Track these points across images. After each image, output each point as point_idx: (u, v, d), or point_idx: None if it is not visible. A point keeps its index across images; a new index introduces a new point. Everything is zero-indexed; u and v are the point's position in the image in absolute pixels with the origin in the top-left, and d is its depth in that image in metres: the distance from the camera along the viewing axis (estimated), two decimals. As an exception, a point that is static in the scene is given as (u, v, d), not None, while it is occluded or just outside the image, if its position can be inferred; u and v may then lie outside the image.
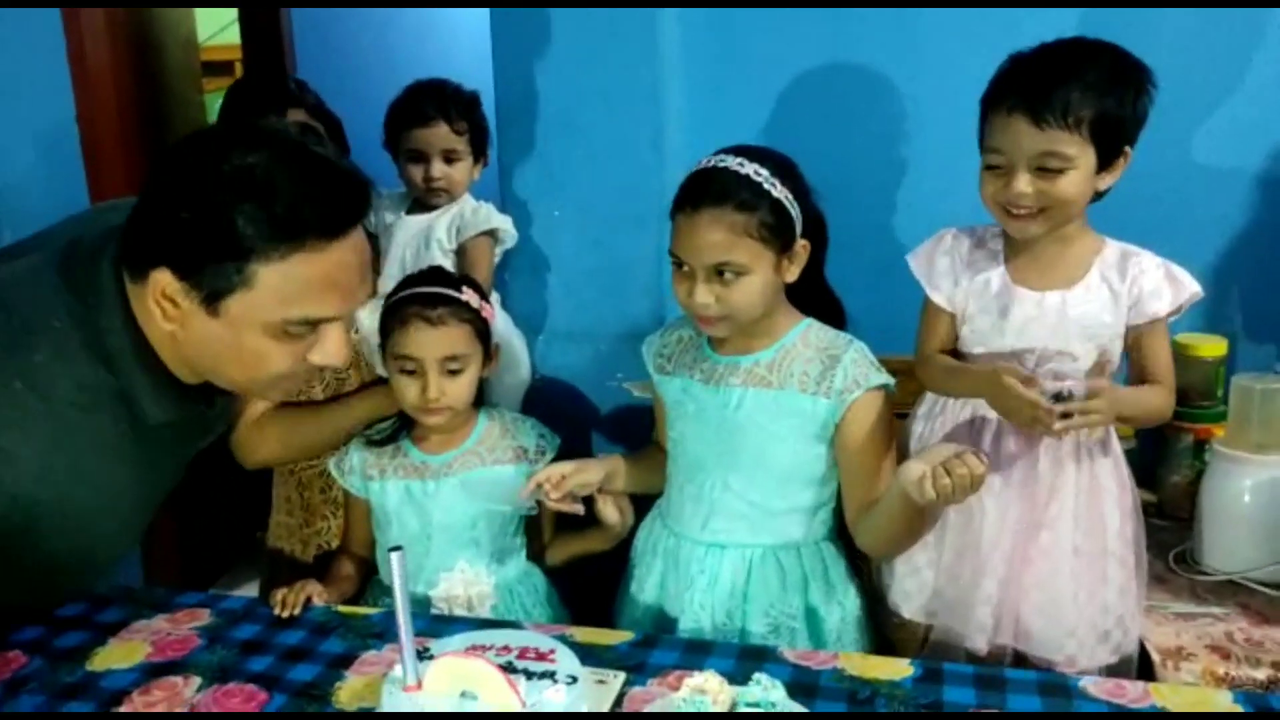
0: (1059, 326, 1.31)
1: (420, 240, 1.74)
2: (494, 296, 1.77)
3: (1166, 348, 1.35)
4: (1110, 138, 1.24)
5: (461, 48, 1.79)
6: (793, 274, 1.33)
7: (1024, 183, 1.24)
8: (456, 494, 1.45)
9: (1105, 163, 1.26)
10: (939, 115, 1.77)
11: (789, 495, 1.38)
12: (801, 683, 1.13)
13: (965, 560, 1.38)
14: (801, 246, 1.33)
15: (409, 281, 1.46)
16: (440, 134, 1.71)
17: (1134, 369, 1.36)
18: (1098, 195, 1.31)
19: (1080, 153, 1.23)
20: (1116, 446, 1.38)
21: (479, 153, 1.77)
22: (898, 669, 1.16)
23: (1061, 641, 1.34)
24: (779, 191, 1.27)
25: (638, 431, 1.63)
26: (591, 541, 1.54)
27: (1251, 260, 1.74)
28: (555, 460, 1.48)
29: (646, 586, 1.47)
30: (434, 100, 1.72)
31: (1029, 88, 1.23)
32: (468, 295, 1.44)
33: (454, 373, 1.41)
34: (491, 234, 1.74)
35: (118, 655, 1.19)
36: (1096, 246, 1.34)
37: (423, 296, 1.42)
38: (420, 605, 1.44)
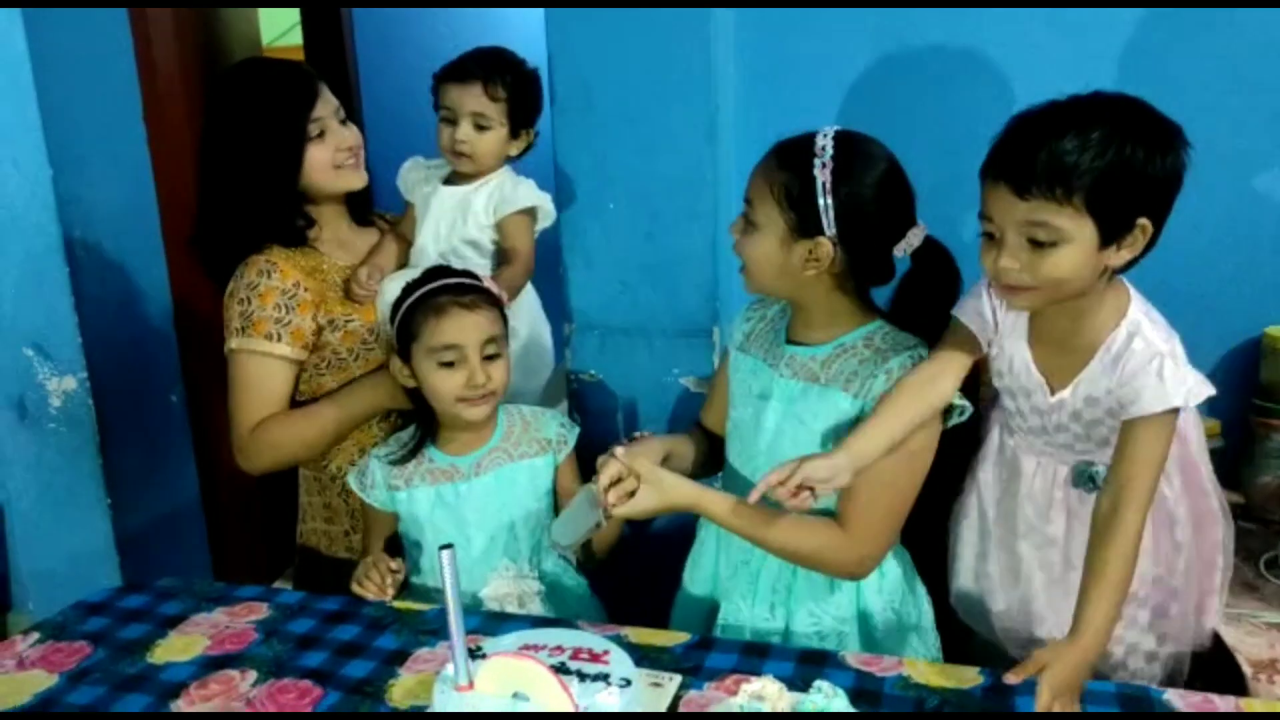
0: (1063, 419, 1.23)
1: (457, 214, 1.66)
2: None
3: (1157, 458, 1.12)
4: (1115, 208, 1.05)
5: (522, 48, 1.73)
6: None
7: (1008, 258, 1.09)
8: (491, 492, 1.43)
9: (1111, 238, 1.07)
10: (997, 108, 1.71)
11: (829, 495, 1.32)
12: (865, 689, 1.09)
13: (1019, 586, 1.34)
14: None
15: (419, 281, 1.43)
16: (473, 94, 1.60)
17: (1111, 471, 1.16)
18: (1126, 265, 1.12)
19: (1074, 226, 1.05)
20: (1188, 435, 1.25)
21: (518, 127, 1.66)
22: (965, 677, 1.11)
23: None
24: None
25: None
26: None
27: (1347, 247, 1.64)
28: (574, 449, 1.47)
29: (698, 575, 1.44)
30: (479, 59, 1.63)
31: (1013, 151, 1.07)
32: (487, 282, 1.45)
33: (492, 357, 1.39)
34: (531, 212, 1.67)
35: (178, 648, 1.20)
36: (1113, 322, 1.16)
37: (451, 286, 1.40)
38: (469, 606, 1.42)
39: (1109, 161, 1.04)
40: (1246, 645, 1.27)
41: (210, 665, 1.16)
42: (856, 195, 1.22)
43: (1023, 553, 1.32)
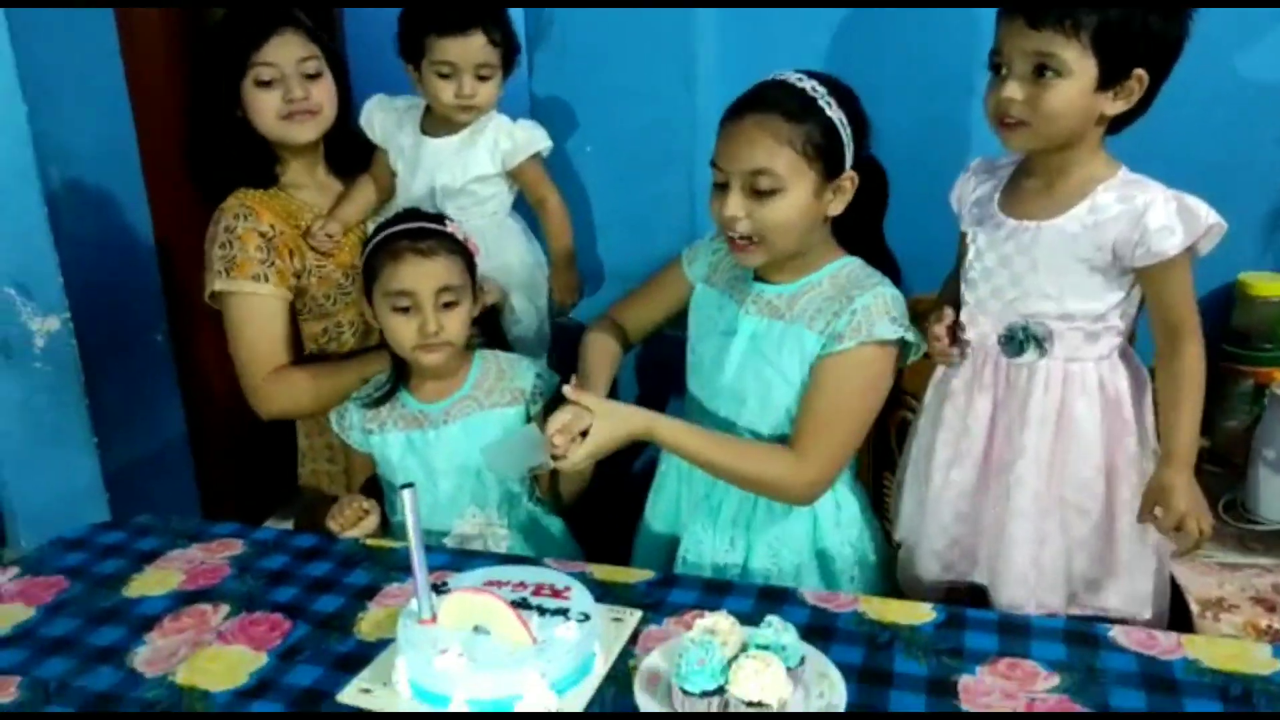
0: (1028, 259, 1.22)
1: (457, 166, 1.61)
2: (522, 224, 1.72)
3: (1187, 294, 1.19)
4: (1116, 51, 1.12)
5: None
6: (836, 207, 1.27)
7: (1013, 87, 1.15)
8: (458, 441, 1.45)
9: (1110, 81, 1.14)
10: (971, 56, 1.69)
11: (784, 422, 1.34)
12: (820, 625, 1.12)
13: (928, 487, 1.34)
14: (849, 179, 1.27)
15: (388, 224, 1.43)
16: (475, 46, 1.53)
17: (1153, 320, 1.22)
18: (1114, 127, 1.20)
19: (1077, 61, 1.12)
20: (1120, 386, 1.24)
21: (508, 67, 1.62)
22: (919, 613, 1.14)
23: (1011, 590, 1.28)
24: (833, 112, 1.22)
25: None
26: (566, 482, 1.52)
27: (1322, 194, 1.63)
28: (552, 399, 1.44)
29: (660, 508, 1.47)
30: (470, 5, 1.53)
31: None
32: (452, 228, 1.43)
33: (449, 305, 1.39)
34: (538, 153, 1.64)
35: (153, 582, 1.23)
36: (1103, 175, 1.21)
37: (411, 231, 1.40)
38: (438, 547, 1.44)
39: (1119, 5, 1.10)
40: (1197, 585, 1.31)
41: (184, 599, 1.19)
42: (859, 122, 1.26)
43: (942, 455, 1.33)
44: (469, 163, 1.61)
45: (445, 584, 1.09)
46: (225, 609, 1.17)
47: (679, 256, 1.48)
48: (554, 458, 1.26)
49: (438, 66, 1.55)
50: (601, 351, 1.46)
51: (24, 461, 1.82)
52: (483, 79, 1.56)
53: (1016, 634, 1.09)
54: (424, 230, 1.40)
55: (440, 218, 1.46)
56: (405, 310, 1.38)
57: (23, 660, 1.08)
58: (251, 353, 1.52)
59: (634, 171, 1.71)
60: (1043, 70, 1.13)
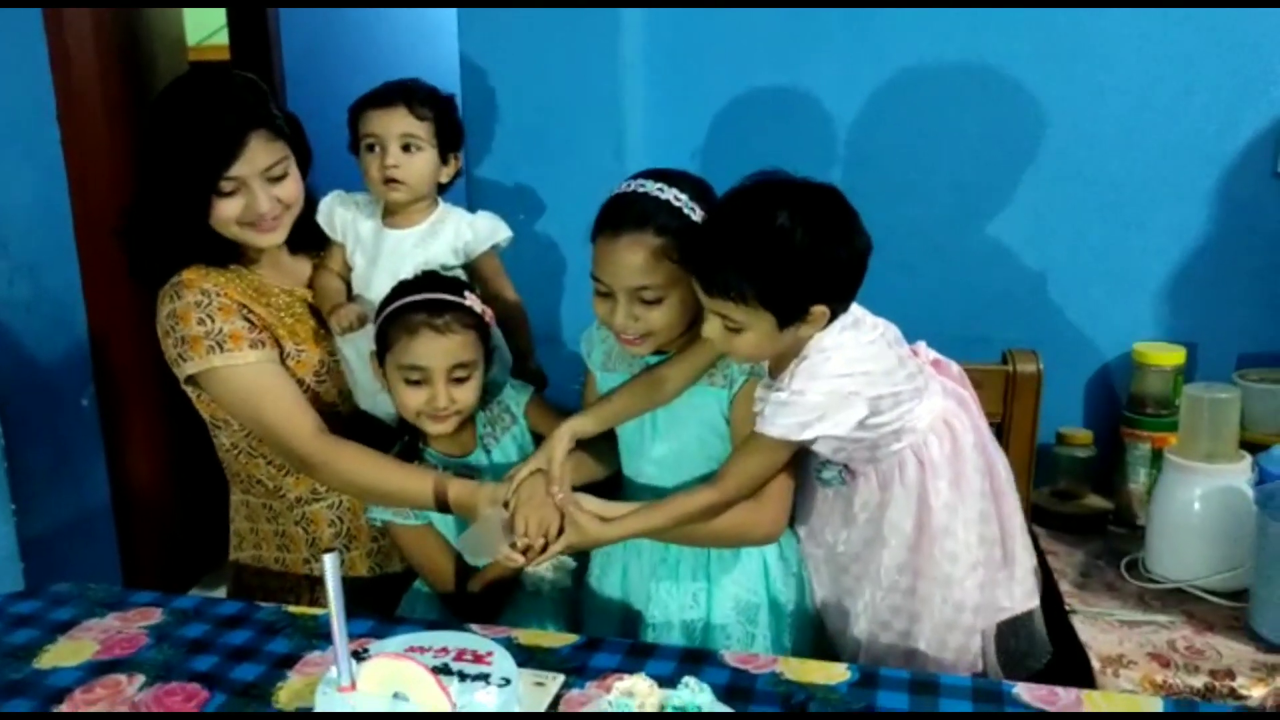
0: None
1: (419, 258, 1.57)
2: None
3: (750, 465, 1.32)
4: (786, 302, 1.19)
5: (450, 52, 1.73)
6: None
7: (708, 329, 1.24)
8: (506, 467, 1.44)
9: (789, 320, 1.21)
10: (889, 130, 1.80)
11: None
12: (738, 686, 1.14)
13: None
14: None
15: (406, 288, 1.43)
16: (398, 116, 1.52)
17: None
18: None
19: (753, 317, 1.20)
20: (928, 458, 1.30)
21: (445, 151, 1.59)
22: (835, 674, 1.17)
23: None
24: (697, 215, 1.28)
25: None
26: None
27: (1209, 269, 1.75)
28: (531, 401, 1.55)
29: (609, 579, 1.49)
30: (397, 86, 1.55)
31: (699, 258, 1.22)
32: (471, 300, 1.43)
33: (460, 380, 1.40)
34: (497, 245, 1.63)
35: (66, 653, 1.20)
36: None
37: (429, 304, 1.39)
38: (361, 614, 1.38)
39: (774, 265, 1.17)
40: (1099, 641, 1.36)
41: (98, 670, 1.17)
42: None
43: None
44: (430, 255, 1.58)
45: (366, 650, 1.09)
46: (141, 679, 1.15)
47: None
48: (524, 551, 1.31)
49: (365, 140, 1.56)
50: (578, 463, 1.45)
51: (-65, 527, 1.77)
52: (409, 150, 1.54)
53: (926, 692, 1.12)
54: (441, 304, 1.39)
55: (459, 287, 1.45)
56: (417, 383, 1.39)
57: (-77, 738, 1.05)
58: (287, 418, 1.42)
59: (565, 239, 1.77)
60: (728, 325, 1.22)
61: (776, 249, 1.16)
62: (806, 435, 1.24)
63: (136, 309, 1.50)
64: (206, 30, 3.84)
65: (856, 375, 1.23)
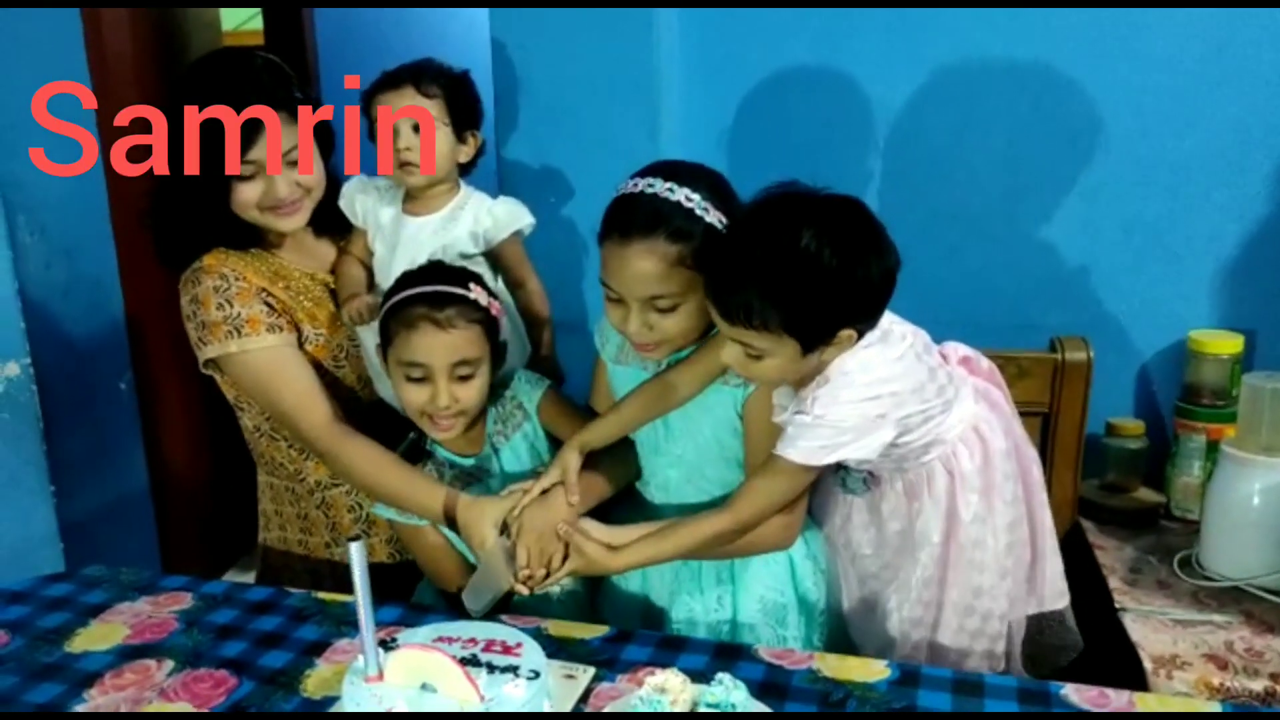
0: None
1: (436, 246, 1.53)
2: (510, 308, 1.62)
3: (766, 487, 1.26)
4: (811, 328, 1.11)
5: (485, 37, 1.69)
6: None
7: (728, 355, 1.18)
8: (516, 466, 1.41)
9: (814, 346, 1.14)
10: (931, 111, 1.75)
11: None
12: (774, 683, 1.11)
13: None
14: None
15: (410, 279, 1.36)
16: (405, 96, 1.47)
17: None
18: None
19: (776, 344, 1.12)
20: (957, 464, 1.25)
21: (461, 128, 1.52)
22: (874, 671, 1.13)
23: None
24: (712, 217, 1.20)
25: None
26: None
27: (1269, 255, 1.68)
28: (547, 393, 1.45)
29: (629, 581, 1.45)
30: (404, 67, 1.50)
31: (715, 285, 1.14)
32: (476, 293, 1.35)
33: (465, 378, 1.33)
34: (519, 230, 1.58)
35: (97, 636, 1.20)
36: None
37: (429, 296, 1.31)
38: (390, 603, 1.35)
39: (800, 290, 1.08)
40: (1150, 641, 1.31)
41: (128, 654, 1.16)
42: (735, 212, 1.20)
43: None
44: (449, 242, 1.54)
45: (394, 640, 1.07)
46: (170, 664, 1.14)
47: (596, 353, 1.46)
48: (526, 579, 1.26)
49: (377, 125, 1.51)
50: (594, 471, 1.39)
51: (-24, 509, 1.79)
52: (419, 131, 1.48)
53: (970, 692, 1.08)
54: (444, 296, 1.32)
55: (464, 278, 1.37)
56: (418, 380, 1.32)
57: (-45, 720, 1.06)
58: (301, 404, 1.40)
59: (597, 224, 1.73)
60: (749, 353, 1.14)
61: (802, 272, 1.08)
62: (830, 460, 1.17)
63: (172, 292, 1.48)
64: (242, 16, 3.86)
65: (884, 397, 1.16)
